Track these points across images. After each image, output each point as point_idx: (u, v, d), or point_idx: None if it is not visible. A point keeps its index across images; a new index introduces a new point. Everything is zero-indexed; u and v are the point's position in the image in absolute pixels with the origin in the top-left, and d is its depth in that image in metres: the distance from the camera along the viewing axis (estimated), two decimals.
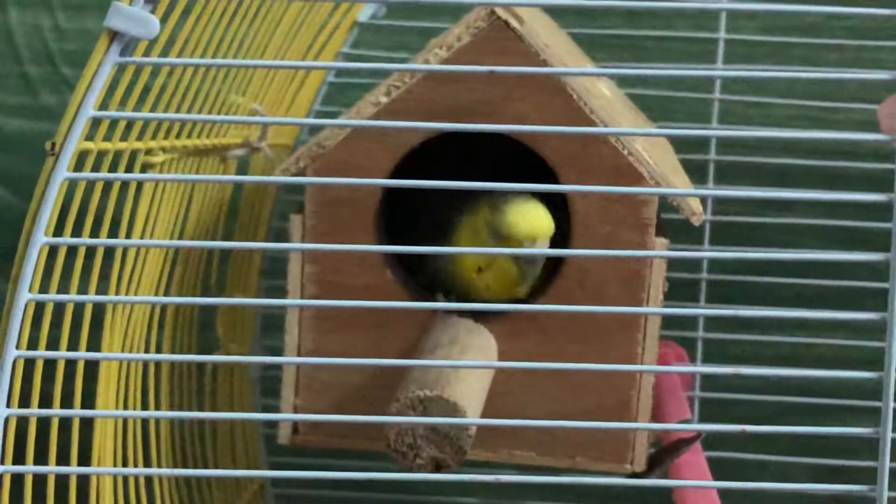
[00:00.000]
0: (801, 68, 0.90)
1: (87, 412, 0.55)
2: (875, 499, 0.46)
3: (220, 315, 0.79)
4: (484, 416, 0.62)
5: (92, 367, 0.56)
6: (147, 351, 0.66)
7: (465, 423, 0.57)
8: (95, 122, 0.46)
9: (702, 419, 0.89)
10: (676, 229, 0.69)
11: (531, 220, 0.63)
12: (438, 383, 0.58)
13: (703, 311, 0.48)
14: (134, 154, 0.55)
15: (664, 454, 0.68)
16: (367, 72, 0.87)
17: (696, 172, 0.88)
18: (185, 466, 0.73)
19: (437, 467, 0.58)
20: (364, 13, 0.88)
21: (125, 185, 0.54)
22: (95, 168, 0.49)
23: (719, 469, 0.88)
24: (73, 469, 0.50)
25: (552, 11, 0.84)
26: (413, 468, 0.58)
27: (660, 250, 0.65)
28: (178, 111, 0.59)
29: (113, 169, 0.52)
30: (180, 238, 0.67)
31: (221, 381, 0.80)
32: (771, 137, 0.57)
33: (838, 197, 0.47)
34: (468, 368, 0.61)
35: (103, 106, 0.46)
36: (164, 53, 0.52)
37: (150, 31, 0.44)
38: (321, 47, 0.82)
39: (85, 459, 0.56)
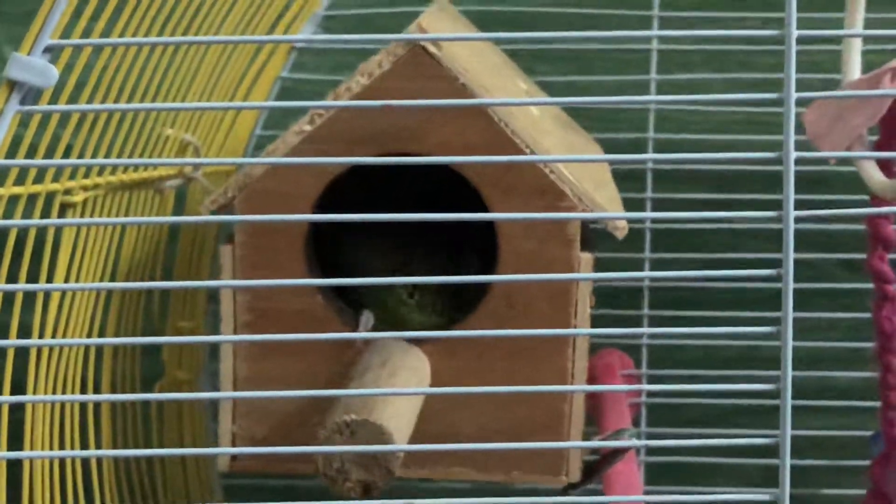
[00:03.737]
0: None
1: (21, 454, 0.56)
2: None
3: (166, 343, 0.80)
4: (416, 434, 0.63)
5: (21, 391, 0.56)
6: (84, 381, 0.66)
7: (387, 450, 0.57)
8: (3, 169, 0.47)
9: (651, 424, 0.90)
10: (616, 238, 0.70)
11: None
12: (365, 407, 0.59)
13: (615, 330, 0.49)
14: (52, 196, 0.56)
15: (599, 464, 0.69)
16: (310, 95, 0.88)
17: (634, 180, 0.90)
18: (132, 496, 0.74)
19: (366, 490, 0.59)
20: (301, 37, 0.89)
21: (42, 228, 0.55)
22: (7, 215, 0.50)
23: (670, 475, 0.90)
24: None
25: (492, 28, 0.85)
26: (343, 492, 0.59)
27: (585, 265, 0.66)
28: (99, 145, 0.60)
29: (29, 214, 0.53)
30: (114, 269, 0.67)
31: (168, 409, 0.80)
32: (669, 158, 0.58)
33: (728, 215, 0.48)
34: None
35: (10, 152, 0.47)
36: (79, 89, 0.53)
37: (48, 80, 0.45)
38: (257, 72, 0.83)
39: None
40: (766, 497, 0.47)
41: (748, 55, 0.94)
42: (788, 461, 0.47)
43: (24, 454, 0.55)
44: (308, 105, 0.63)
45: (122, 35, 0.56)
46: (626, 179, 0.87)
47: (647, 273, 0.57)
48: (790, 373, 0.47)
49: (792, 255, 0.47)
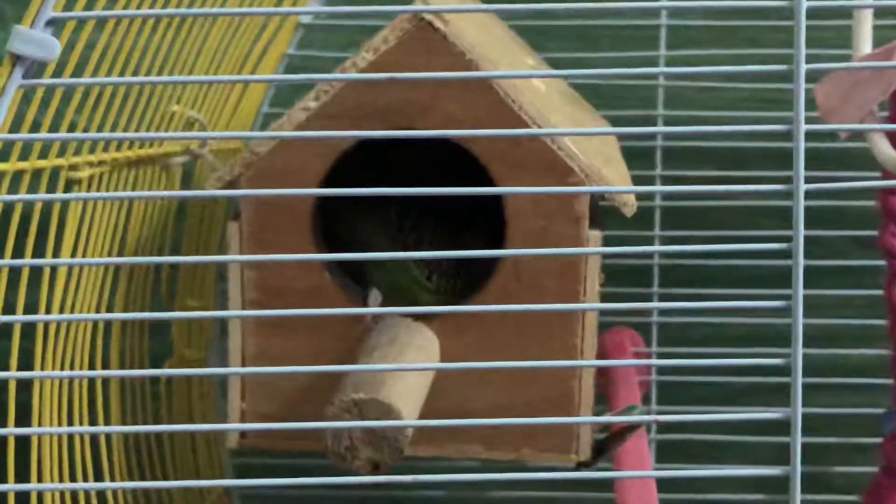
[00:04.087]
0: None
1: (28, 430, 0.55)
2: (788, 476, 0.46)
3: (174, 321, 0.80)
4: (426, 412, 0.63)
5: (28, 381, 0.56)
6: (92, 359, 0.66)
7: (396, 425, 0.57)
8: (7, 145, 0.47)
9: (660, 403, 0.90)
10: (625, 216, 0.69)
11: None
12: (373, 385, 0.59)
13: (623, 305, 0.48)
14: (57, 171, 0.56)
15: (610, 442, 0.69)
16: (317, 71, 0.88)
17: (644, 158, 0.89)
18: (141, 474, 0.74)
19: (375, 467, 0.59)
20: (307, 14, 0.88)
21: (48, 205, 0.55)
22: (12, 191, 0.50)
23: (680, 453, 0.90)
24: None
25: (499, 3, 0.84)
26: (352, 469, 0.59)
27: (594, 242, 0.65)
28: (104, 122, 0.59)
29: (34, 190, 0.52)
30: (121, 247, 0.67)
31: (177, 387, 0.80)
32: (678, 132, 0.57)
33: (738, 188, 0.47)
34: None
35: (14, 128, 0.47)
36: (81, 66, 0.52)
37: (51, 53, 0.45)
38: (263, 49, 0.83)
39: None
40: (777, 472, 0.47)
41: (758, 31, 0.93)
42: (799, 436, 0.46)
43: (31, 430, 0.55)
44: (312, 79, 0.63)
45: (125, 9, 0.56)
46: (636, 157, 0.86)
47: (655, 248, 0.57)
48: (800, 347, 0.46)
49: (802, 229, 0.46)
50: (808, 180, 0.47)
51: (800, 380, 0.46)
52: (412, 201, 0.68)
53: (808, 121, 0.47)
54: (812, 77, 0.48)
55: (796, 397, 0.46)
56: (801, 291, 0.46)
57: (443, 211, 0.69)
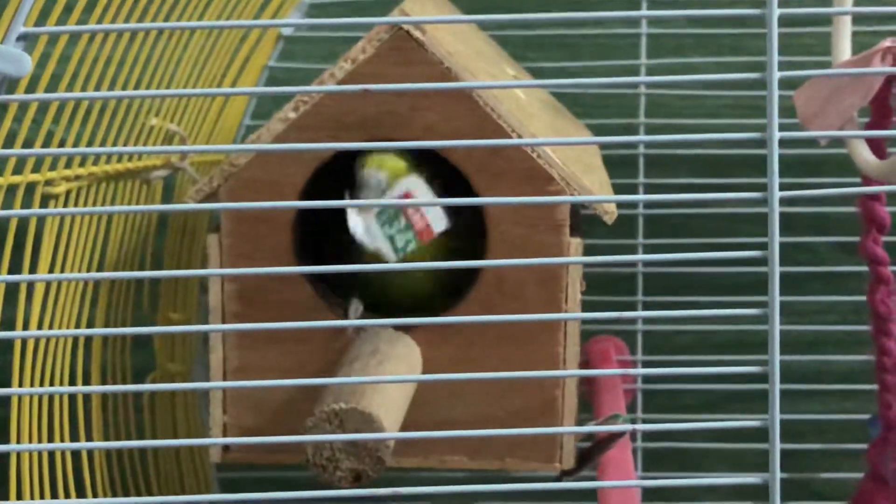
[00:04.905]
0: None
1: (7, 447, 0.55)
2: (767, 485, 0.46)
3: (157, 334, 0.79)
4: (408, 423, 0.63)
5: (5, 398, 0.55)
6: (73, 374, 0.66)
7: (377, 437, 0.57)
8: None
9: (646, 410, 0.90)
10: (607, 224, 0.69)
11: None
12: (354, 395, 0.59)
13: (604, 314, 0.48)
14: (32, 186, 0.55)
15: (593, 450, 0.69)
16: (298, 83, 0.88)
17: (626, 166, 0.89)
18: (125, 490, 0.73)
19: (357, 478, 0.58)
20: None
21: (24, 220, 0.54)
22: None
23: (666, 461, 0.90)
24: None
25: (480, 13, 0.84)
26: (333, 481, 0.58)
27: (575, 250, 0.65)
28: (81, 135, 0.59)
29: (8, 204, 0.52)
30: (101, 261, 0.67)
31: (160, 400, 0.80)
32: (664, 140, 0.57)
33: (713, 197, 0.47)
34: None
35: None
36: (57, 79, 0.52)
37: (22, 69, 0.45)
38: (244, 61, 0.82)
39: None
40: (756, 480, 0.47)
41: (738, 39, 0.93)
42: (778, 444, 0.46)
43: (10, 447, 0.54)
44: (289, 91, 0.62)
45: (100, 22, 0.56)
46: (619, 165, 0.87)
47: (636, 257, 0.57)
48: (777, 355, 0.46)
49: (777, 237, 0.46)
50: (787, 186, 0.47)
51: (777, 387, 0.46)
52: None
53: (785, 128, 0.47)
54: (788, 84, 0.48)
55: (774, 405, 0.46)
56: (777, 299, 0.46)
57: None
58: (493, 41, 0.83)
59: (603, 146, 0.82)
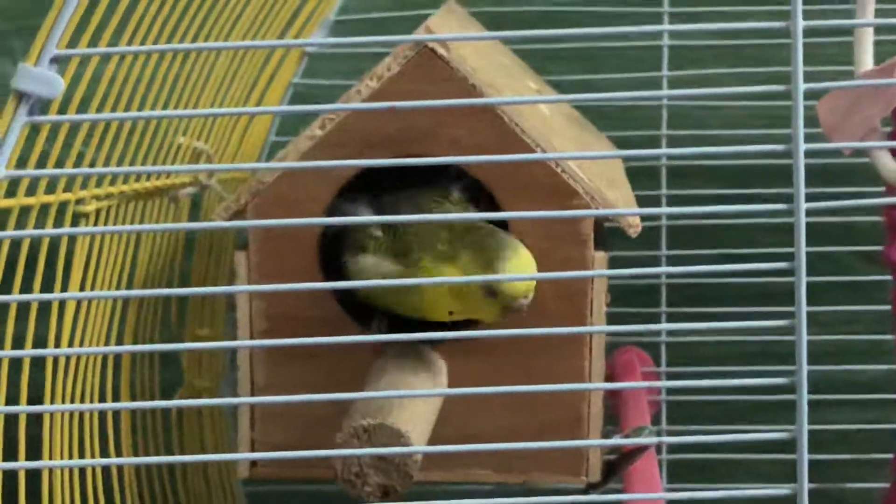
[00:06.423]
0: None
1: (40, 463, 0.55)
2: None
3: (185, 352, 0.80)
4: (435, 437, 0.63)
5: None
6: (103, 391, 0.66)
7: (405, 451, 0.57)
8: (13, 182, 0.47)
9: (671, 422, 0.90)
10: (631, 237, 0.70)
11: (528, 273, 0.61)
12: (382, 411, 0.59)
13: (629, 327, 0.48)
14: (64, 206, 0.56)
15: (619, 462, 0.69)
16: (323, 100, 0.88)
17: (649, 177, 0.89)
18: None
19: (385, 494, 0.59)
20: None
21: (56, 239, 0.55)
22: (20, 226, 0.50)
23: (691, 473, 0.90)
24: None
25: (502, 28, 0.85)
26: (362, 496, 0.59)
27: (599, 264, 0.65)
28: (110, 155, 0.60)
29: (40, 225, 0.53)
30: (130, 279, 0.67)
31: (188, 417, 0.81)
32: (678, 153, 0.58)
33: (738, 209, 0.48)
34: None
35: (20, 163, 0.47)
36: (88, 99, 0.53)
37: (54, 90, 0.45)
38: (269, 78, 0.83)
39: None
40: (785, 491, 0.47)
41: (761, 49, 0.93)
42: (806, 455, 0.46)
43: (42, 464, 0.55)
44: (315, 109, 0.63)
45: (129, 44, 0.56)
46: (642, 177, 0.87)
47: (660, 269, 0.57)
48: (805, 365, 0.46)
49: (804, 246, 0.46)
50: (812, 196, 0.47)
51: (805, 398, 0.46)
52: None
53: (810, 138, 0.48)
54: (812, 95, 0.48)
55: (802, 416, 0.46)
56: (804, 310, 0.47)
57: None
58: (516, 56, 0.83)
59: (625, 158, 0.82)
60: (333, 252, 0.68)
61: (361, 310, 0.68)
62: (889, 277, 0.71)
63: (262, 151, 0.88)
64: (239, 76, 0.78)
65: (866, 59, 0.66)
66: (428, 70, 0.64)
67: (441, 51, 0.64)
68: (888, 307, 0.71)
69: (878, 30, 0.68)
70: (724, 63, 0.94)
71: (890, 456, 0.74)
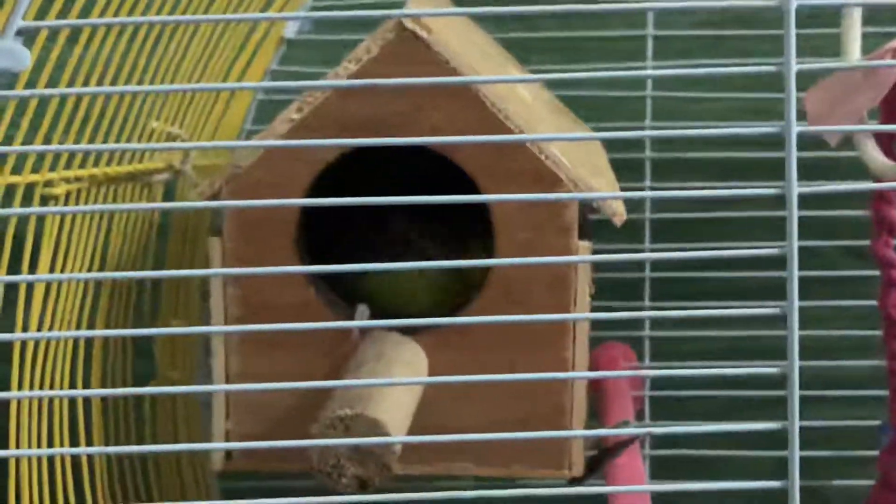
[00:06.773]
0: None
1: (6, 452, 0.54)
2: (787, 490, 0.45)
3: (158, 342, 0.78)
4: (415, 429, 0.62)
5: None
6: (73, 380, 0.65)
7: (383, 441, 0.56)
8: None
9: (654, 418, 0.89)
10: (615, 229, 0.68)
11: None
12: (360, 401, 0.58)
13: (614, 315, 0.47)
14: (31, 187, 0.54)
15: (603, 457, 0.68)
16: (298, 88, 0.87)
17: (633, 170, 0.88)
18: (125, 498, 0.72)
19: (363, 485, 0.57)
20: (290, 28, 0.88)
21: (24, 219, 0.53)
22: None
23: (676, 468, 0.89)
24: None
25: (481, 19, 0.83)
26: (338, 488, 0.57)
27: (583, 253, 0.64)
28: (80, 138, 0.58)
29: (7, 205, 0.51)
30: (101, 266, 0.66)
31: (161, 408, 0.79)
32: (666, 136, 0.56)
33: (730, 193, 0.46)
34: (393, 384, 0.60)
35: None
36: (55, 81, 0.51)
37: (21, 63, 0.44)
38: (246, 65, 0.82)
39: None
40: (777, 485, 0.46)
41: (745, 41, 0.92)
42: (797, 449, 0.45)
43: (9, 452, 0.53)
44: (296, 86, 0.61)
45: (101, 18, 0.55)
46: (625, 170, 0.85)
47: (644, 255, 0.55)
48: (796, 355, 0.45)
49: (796, 233, 0.45)
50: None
51: (797, 390, 0.45)
52: (401, 218, 0.67)
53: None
54: (801, 86, 0.47)
55: (793, 408, 0.45)
56: (796, 297, 0.45)
57: (434, 225, 0.68)
58: (498, 44, 0.82)
59: (609, 151, 0.81)
60: (312, 239, 0.67)
61: (342, 299, 0.67)
62: (876, 273, 0.70)
63: (239, 139, 0.86)
64: (214, 62, 0.76)
65: (854, 47, 0.65)
66: (408, 53, 0.63)
67: (422, 33, 0.63)
68: (873, 302, 0.70)
69: (866, 21, 0.67)
70: (710, 55, 0.92)
71: (874, 453, 0.73)
